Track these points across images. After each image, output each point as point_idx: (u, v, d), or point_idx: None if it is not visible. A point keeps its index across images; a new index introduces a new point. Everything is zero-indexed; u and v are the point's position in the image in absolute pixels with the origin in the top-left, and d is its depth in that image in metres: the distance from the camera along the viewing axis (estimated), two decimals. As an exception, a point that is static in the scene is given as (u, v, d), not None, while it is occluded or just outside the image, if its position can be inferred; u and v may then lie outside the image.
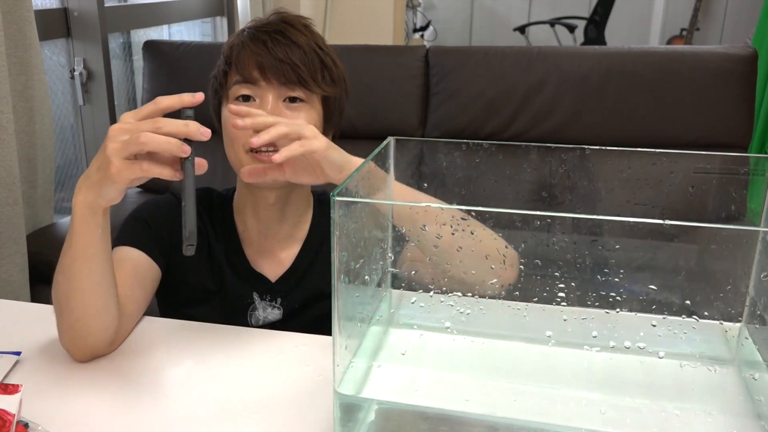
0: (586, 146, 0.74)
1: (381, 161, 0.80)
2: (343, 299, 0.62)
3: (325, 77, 1.03)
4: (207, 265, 1.08)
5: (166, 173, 0.76)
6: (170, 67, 2.24)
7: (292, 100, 1.01)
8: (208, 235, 1.08)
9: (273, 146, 0.94)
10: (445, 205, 0.65)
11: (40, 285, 1.77)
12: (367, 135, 2.04)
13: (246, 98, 1.01)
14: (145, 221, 1.05)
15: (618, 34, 5.34)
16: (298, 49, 1.00)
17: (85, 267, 0.85)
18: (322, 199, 1.13)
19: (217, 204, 1.11)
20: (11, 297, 1.68)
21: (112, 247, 0.98)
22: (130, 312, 0.94)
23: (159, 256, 1.03)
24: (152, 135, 0.73)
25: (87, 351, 0.88)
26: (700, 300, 0.63)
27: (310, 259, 1.10)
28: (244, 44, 1.01)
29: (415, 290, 0.69)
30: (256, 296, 1.08)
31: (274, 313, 1.08)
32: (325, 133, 1.06)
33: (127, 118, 0.77)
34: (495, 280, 0.64)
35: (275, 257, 1.09)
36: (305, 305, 1.08)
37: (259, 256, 1.09)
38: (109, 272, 0.88)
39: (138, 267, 1.00)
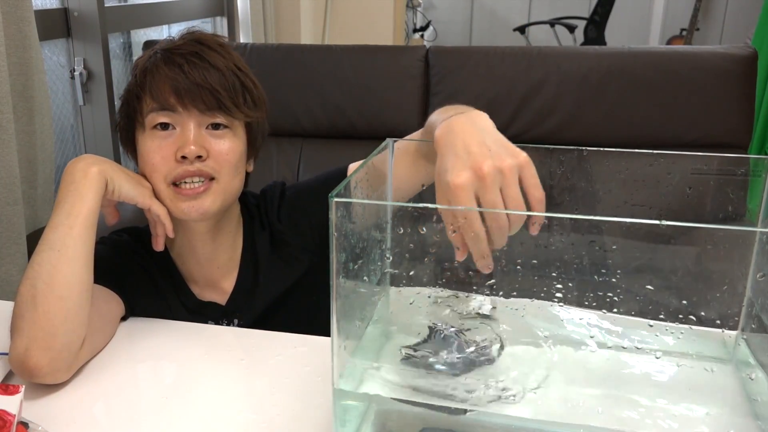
0: (584, 147, 0.74)
1: (380, 163, 0.80)
2: (341, 300, 0.62)
3: (247, 100, 0.97)
4: (161, 304, 1.04)
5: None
6: (170, 67, 2.22)
7: (215, 126, 0.95)
8: (153, 275, 1.04)
9: (199, 176, 0.93)
10: (442, 206, 0.66)
11: (40, 285, 1.76)
12: (367, 135, 2.04)
13: (164, 126, 0.94)
14: (110, 262, 0.99)
15: (618, 34, 5.34)
16: (216, 72, 0.94)
17: (84, 237, 0.86)
18: (244, 200, 1.08)
19: (150, 242, 1.01)
20: (11, 297, 1.67)
21: None
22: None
23: (124, 294, 0.99)
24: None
25: (64, 357, 0.83)
26: (697, 300, 0.63)
27: (253, 268, 1.06)
28: (158, 67, 0.94)
29: (413, 290, 0.69)
30: (211, 324, 1.05)
31: None
32: (247, 158, 1.02)
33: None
34: None
35: (219, 282, 1.06)
36: (264, 315, 1.06)
37: (204, 285, 1.06)
38: (91, 257, 0.88)
39: (101, 298, 0.95)
